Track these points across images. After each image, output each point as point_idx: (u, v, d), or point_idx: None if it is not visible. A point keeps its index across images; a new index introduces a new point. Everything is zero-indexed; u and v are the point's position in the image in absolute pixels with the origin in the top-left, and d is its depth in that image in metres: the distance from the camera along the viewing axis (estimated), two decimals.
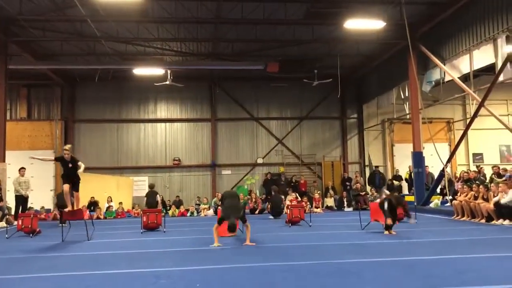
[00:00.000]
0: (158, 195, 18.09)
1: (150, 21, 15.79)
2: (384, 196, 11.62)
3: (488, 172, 16.73)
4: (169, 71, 18.98)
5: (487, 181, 15.25)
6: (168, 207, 19.68)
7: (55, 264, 7.47)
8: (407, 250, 7.96)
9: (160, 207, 16.88)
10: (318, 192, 20.77)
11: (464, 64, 15.18)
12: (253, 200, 19.60)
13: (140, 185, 20.84)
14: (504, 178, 14.03)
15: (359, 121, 23.55)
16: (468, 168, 20.61)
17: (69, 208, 10.47)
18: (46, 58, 18.88)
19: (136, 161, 22.17)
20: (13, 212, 16.02)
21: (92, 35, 16.41)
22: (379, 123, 23.37)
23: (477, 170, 17.12)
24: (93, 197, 19.51)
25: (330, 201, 20.60)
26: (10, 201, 16.52)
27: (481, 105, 14.31)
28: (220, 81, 22.54)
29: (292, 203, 16.64)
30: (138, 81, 21.11)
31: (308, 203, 18.82)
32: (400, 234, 10.16)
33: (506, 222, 11.67)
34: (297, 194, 19.55)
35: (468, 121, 17.92)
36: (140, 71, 18.93)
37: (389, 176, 22.39)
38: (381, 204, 10.33)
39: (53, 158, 12.47)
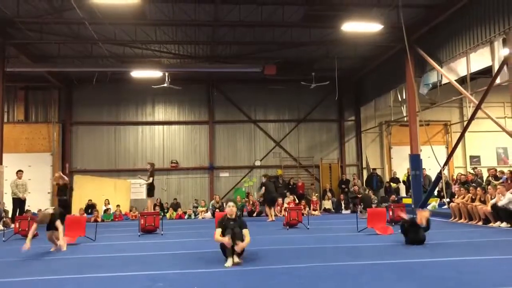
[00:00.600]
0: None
1: (147, 23, 15.80)
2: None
3: (485, 174, 16.77)
4: (167, 74, 18.98)
5: (484, 183, 15.28)
6: (166, 210, 19.66)
7: (52, 267, 7.45)
8: (404, 253, 7.96)
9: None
10: (316, 194, 20.77)
11: (461, 66, 15.25)
12: (251, 202, 19.58)
13: (138, 187, 20.80)
14: (501, 181, 14.07)
15: (356, 123, 23.58)
16: (468, 171, 20.64)
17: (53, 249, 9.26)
18: (44, 60, 18.85)
19: (134, 164, 22.14)
20: (10, 215, 15.99)
21: (90, 37, 16.41)
22: (377, 126, 23.41)
23: (474, 173, 17.17)
24: (91, 200, 19.51)
25: (328, 204, 20.59)
26: (7, 203, 16.48)
27: (478, 107, 14.35)
28: (218, 83, 22.56)
29: (290, 206, 16.67)
30: (135, 83, 21.10)
31: (306, 205, 18.83)
32: (397, 237, 10.17)
33: (503, 224, 11.70)
34: (295, 197, 19.57)
35: (465, 123, 17.96)
36: (138, 73, 18.93)
37: (387, 178, 22.43)
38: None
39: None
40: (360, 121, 23.49)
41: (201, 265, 7.19)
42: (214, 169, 22.38)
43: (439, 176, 16.43)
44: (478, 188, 13.32)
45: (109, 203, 19.30)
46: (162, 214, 17.29)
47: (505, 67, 13.09)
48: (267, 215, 16.69)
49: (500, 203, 11.81)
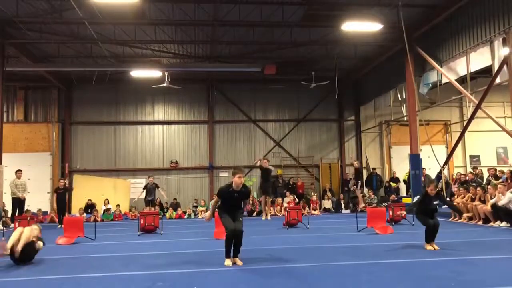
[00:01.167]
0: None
1: (147, 23, 15.78)
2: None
3: (485, 174, 16.76)
4: (166, 73, 18.96)
5: (484, 183, 15.28)
6: (166, 210, 19.65)
7: (51, 267, 7.44)
8: (403, 252, 7.95)
9: None
10: (316, 194, 20.77)
11: (461, 66, 15.24)
12: (251, 202, 19.56)
13: (137, 187, 20.78)
14: (501, 180, 14.07)
15: (356, 123, 23.57)
16: (468, 171, 20.64)
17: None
18: (43, 60, 18.85)
19: (133, 164, 22.13)
20: (9, 215, 15.98)
21: (89, 37, 16.40)
22: (377, 125, 23.41)
23: (474, 172, 17.17)
24: (90, 200, 19.50)
25: (327, 203, 20.59)
26: (7, 203, 16.47)
27: (478, 107, 14.36)
28: (218, 83, 22.55)
29: (290, 206, 16.68)
30: (135, 83, 21.10)
31: (306, 205, 18.83)
32: (396, 237, 10.17)
33: (503, 224, 11.69)
34: (295, 196, 19.56)
35: (465, 123, 17.97)
36: (138, 73, 18.91)
37: (387, 178, 22.42)
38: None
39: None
40: (360, 121, 23.49)
41: (201, 264, 7.18)
42: (214, 168, 22.37)
43: (439, 176, 16.42)
44: (478, 188, 13.32)
45: (108, 203, 19.29)
46: (162, 214, 17.28)
47: (505, 67, 13.07)
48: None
49: (500, 203, 11.80)
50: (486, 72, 15.64)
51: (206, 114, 22.74)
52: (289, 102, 23.11)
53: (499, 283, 5.42)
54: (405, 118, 20.18)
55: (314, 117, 23.21)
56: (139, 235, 11.79)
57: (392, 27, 15.55)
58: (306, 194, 21.39)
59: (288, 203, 18.33)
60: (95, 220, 16.68)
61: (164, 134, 22.60)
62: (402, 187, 21.60)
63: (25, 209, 16.10)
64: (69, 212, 19.17)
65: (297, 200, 19.04)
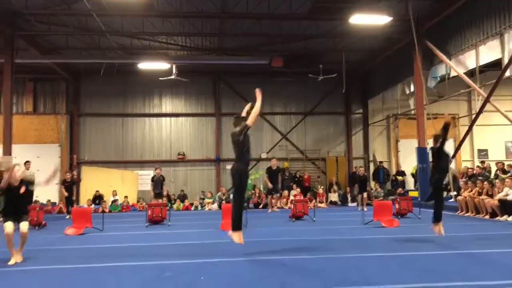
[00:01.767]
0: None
1: (155, 15, 15.79)
2: None
3: (493, 168, 16.68)
4: (174, 66, 18.98)
5: (492, 177, 15.21)
6: (173, 201, 19.77)
7: (60, 256, 7.55)
8: (409, 245, 7.97)
9: None
10: (322, 187, 20.79)
11: (470, 59, 15.09)
12: (257, 195, 19.65)
13: (145, 179, 20.91)
14: (509, 174, 14.00)
15: (363, 116, 23.50)
16: (477, 165, 20.53)
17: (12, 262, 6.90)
18: (52, 52, 18.94)
19: (141, 155, 22.24)
20: None
21: (97, 29, 16.45)
22: (384, 119, 23.32)
23: (481, 166, 17.08)
24: (98, 191, 19.66)
25: (334, 196, 20.61)
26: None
27: (486, 100, 14.26)
28: (225, 75, 22.55)
29: (296, 198, 16.73)
30: (143, 75, 21.15)
31: (313, 198, 18.87)
32: (402, 230, 10.18)
33: (511, 218, 11.66)
34: (300, 190, 19.60)
35: (473, 117, 17.85)
36: (145, 65, 18.95)
37: (394, 171, 22.38)
38: None
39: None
40: (367, 114, 23.41)
41: (208, 255, 7.24)
42: (221, 161, 22.43)
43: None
44: (485, 182, 13.27)
45: (116, 194, 19.44)
46: (169, 205, 17.39)
47: None
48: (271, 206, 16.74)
49: (509, 197, 11.76)
50: (496, 65, 15.45)
51: (213, 106, 22.77)
52: (296, 95, 23.06)
53: (505, 277, 5.43)
54: (412, 112, 20.06)
55: (321, 110, 23.15)
56: (146, 226, 11.89)
57: (400, 19, 15.45)
58: (312, 187, 21.41)
59: (295, 196, 18.38)
60: (103, 211, 16.82)
61: (171, 127, 22.67)
62: (409, 180, 21.54)
63: (34, 200, 16.26)
64: (77, 203, 19.38)
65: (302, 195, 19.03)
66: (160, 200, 15.02)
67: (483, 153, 22.93)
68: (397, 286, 5.04)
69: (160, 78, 19.83)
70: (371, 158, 23.24)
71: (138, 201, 20.13)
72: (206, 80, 22.60)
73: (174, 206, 19.19)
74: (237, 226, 7.13)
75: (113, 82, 21.83)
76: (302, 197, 17.64)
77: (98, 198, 19.26)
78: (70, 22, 16.38)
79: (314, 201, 18.62)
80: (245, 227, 9.98)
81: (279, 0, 14.95)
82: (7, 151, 16.17)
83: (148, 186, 18.03)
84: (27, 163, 16.18)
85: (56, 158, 21.40)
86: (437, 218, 8.19)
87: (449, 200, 16.48)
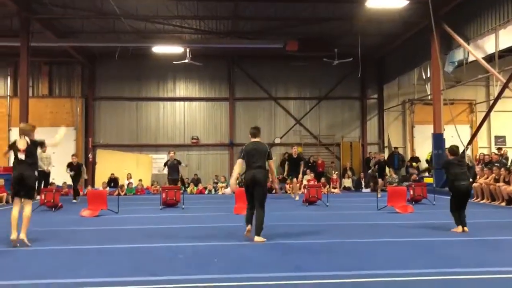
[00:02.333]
0: None
1: None
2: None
3: (510, 155, 16.44)
4: (188, 50, 18.95)
5: (509, 164, 14.99)
6: (187, 185, 19.91)
7: (75, 237, 7.67)
8: (423, 232, 7.92)
9: None
10: (336, 172, 20.72)
11: (489, 44, 14.77)
12: (270, 180, 19.62)
13: (159, 162, 21.03)
14: None
15: (379, 101, 23.24)
16: (493, 151, 20.25)
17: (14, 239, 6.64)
18: (67, 35, 19.02)
19: (155, 139, 22.37)
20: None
21: (112, 12, 16.43)
22: (400, 104, 23.05)
23: (498, 153, 16.84)
24: (113, 174, 19.88)
25: (347, 182, 20.55)
26: None
27: (505, 86, 13.99)
28: (239, 59, 22.43)
29: (310, 183, 16.70)
30: (157, 59, 21.14)
31: (326, 183, 18.82)
32: (416, 216, 10.12)
33: None
34: (314, 175, 19.55)
35: (491, 102, 17.54)
36: (159, 49, 18.95)
37: (409, 157, 22.18)
38: None
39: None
40: (383, 99, 23.15)
41: (221, 238, 7.29)
42: (234, 145, 22.44)
43: (462, 156, 16.14)
44: (502, 169, 13.08)
45: (131, 177, 19.64)
46: (183, 189, 17.51)
47: None
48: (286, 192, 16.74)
49: None
50: None
51: (227, 91, 22.72)
52: (311, 80, 22.87)
53: None
54: (429, 97, 19.78)
55: (336, 95, 22.94)
56: (161, 209, 12.01)
57: (418, 3, 15.15)
58: (326, 172, 21.34)
59: (308, 181, 18.35)
60: (118, 194, 17.02)
61: (185, 111, 22.71)
62: (425, 166, 21.34)
63: (50, 182, 16.50)
64: (92, 186, 19.65)
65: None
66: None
67: (500, 139, 22.56)
68: (410, 271, 5.02)
69: (174, 62, 19.82)
70: (386, 144, 23.05)
71: (152, 184, 20.32)
72: (220, 64, 22.53)
73: (188, 190, 19.33)
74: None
75: (127, 66, 21.87)
76: (315, 183, 17.61)
77: (113, 181, 19.48)
78: (86, 5, 16.40)
79: (327, 186, 18.58)
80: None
81: None
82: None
83: (163, 170, 18.16)
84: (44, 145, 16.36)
85: (71, 141, 21.61)
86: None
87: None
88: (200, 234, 7.82)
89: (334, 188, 19.10)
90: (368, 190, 19.37)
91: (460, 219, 7.71)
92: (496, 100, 15.17)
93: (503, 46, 14.21)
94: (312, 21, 17.77)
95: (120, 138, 22.07)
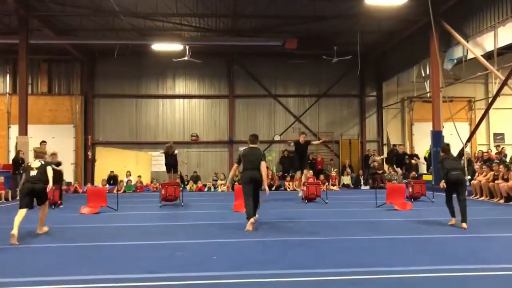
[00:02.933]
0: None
1: None
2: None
3: (509, 152, 16.47)
4: (187, 47, 18.93)
5: (508, 161, 15.03)
6: (186, 182, 19.94)
7: (75, 234, 7.69)
8: (422, 229, 7.95)
9: None
10: (335, 170, 20.75)
11: (488, 41, 14.78)
12: (270, 176, 19.68)
13: (159, 160, 21.05)
14: None
15: (378, 99, 23.26)
16: (489, 149, 20.30)
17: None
18: (66, 33, 19.00)
19: (155, 137, 22.38)
20: None
21: (111, 10, 16.41)
22: (399, 101, 23.07)
23: (497, 150, 16.89)
24: (113, 171, 19.89)
25: (347, 179, 20.58)
26: None
27: (504, 83, 14.00)
28: (238, 57, 22.42)
29: (309, 181, 16.70)
30: (156, 56, 21.13)
31: (326, 181, 18.84)
32: (415, 213, 10.15)
33: None
34: (313, 172, 19.56)
35: (490, 100, 17.56)
36: (159, 46, 18.93)
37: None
38: None
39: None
40: (382, 97, 23.16)
41: (220, 235, 7.32)
42: (234, 143, 22.47)
43: (461, 154, 16.18)
44: (501, 166, 13.10)
45: (130, 175, 19.66)
46: (183, 186, 17.54)
47: None
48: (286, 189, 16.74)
49: None
50: None
51: (226, 88, 22.72)
52: (310, 77, 22.88)
53: None
54: (428, 95, 19.79)
55: (335, 93, 22.95)
56: (160, 206, 12.03)
57: (417, 0, 15.12)
58: (325, 170, 21.38)
59: (307, 178, 18.35)
60: (117, 191, 17.02)
61: (185, 108, 22.71)
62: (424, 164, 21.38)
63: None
64: (92, 183, 19.66)
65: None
66: (174, 175, 14.75)
67: (499, 137, 22.60)
68: (409, 268, 5.05)
69: (173, 60, 19.82)
70: (385, 141, 23.08)
71: (151, 182, 20.35)
72: (219, 62, 22.52)
73: (187, 187, 19.36)
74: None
75: (126, 64, 21.86)
76: (315, 180, 17.63)
77: (112, 179, 19.49)
78: (84, 3, 16.37)
79: (326, 183, 18.61)
80: (258, 209, 10.06)
81: None
82: (23, 131, 16.42)
83: (162, 167, 18.17)
84: (43, 143, 16.38)
85: (70, 138, 21.66)
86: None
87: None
88: (199, 232, 7.85)
89: (333, 185, 19.13)
90: (367, 187, 19.40)
91: (460, 213, 7.95)
92: (495, 97, 15.18)
93: (502, 43, 14.21)
94: (311, 19, 17.77)
95: (119, 135, 22.07)
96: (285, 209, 11.25)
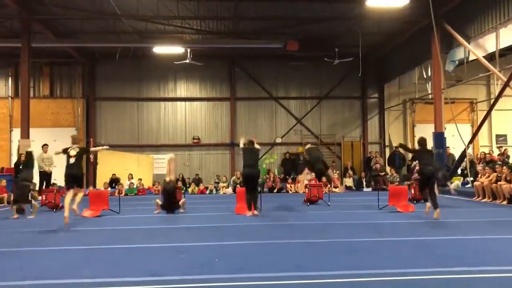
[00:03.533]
0: None
1: None
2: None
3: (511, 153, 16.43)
4: (188, 50, 18.95)
5: (511, 162, 14.99)
6: (188, 185, 19.92)
7: (78, 238, 7.69)
8: (424, 231, 7.93)
9: None
10: (337, 172, 20.72)
11: (490, 42, 14.75)
12: (272, 179, 19.68)
13: (161, 162, 21.05)
14: None
15: (380, 101, 23.23)
16: (490, 150, 20.24)
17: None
18: (68, 36, 19.02)
19: (156, 140, 22.38)
20: (37, 188, 16.41)
21: (113, 13, 16.43)
22: (401, 103, 23.03)
23: (500, 152, 16.85)
24: (114, 174, 19.87)
25: (349, 181, 20.54)
26: (34, 177, 16.86)
27: (506, 85, 13.97)
28: (240, 59, 22.43)
29: (311, 183, 16.69)
30: (158, 59, 21.14)
31: (328, 183, 18.80)
32: (418, 215, 10.12)
33: None
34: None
35: (492, 101, 17.53)
36: (160, 49, 18.95)
37: (410, 156, 22.14)
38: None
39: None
40: (383, 99, 23.13)
41: (222, 238, 7.30)
42: (235, 145, 22.42)
43: (463, 155, 16.16)
44: (504, 167, 13.06)
45: (132, 178, 19.65)
46: (184, 189, 17.51)
47: None
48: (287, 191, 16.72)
49: None
50: None
51: (228, 91, 22.72)
52: (311, 79, 22.88)
53: None
54: (430, 96, 19.75)
55: (337, 95, 22.93)
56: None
57: (418, 1, 15.10)
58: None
59: (309, 180, 18.33)
60: (119, 193, 17.04)
61: (186, 111, 22.72)
62: None
63: (52, 183, 16.53)
64: (94, 186, 19.66)
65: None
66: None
67: (501, 138, 22.54)
68: (412, 270, 5.02)
69: (175, 62, 19.84)
70: (387, 143, 23.05)
71: (153, 185, 20.33)
72: (221, 64, 22.54)
73: (189, 190, 19.33)
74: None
75: (128, 66, 21.88)
76: (317, 182, 17.60)
77: (114, 182, 19.48)
78: (85, 6, 16.41)
79: (329, 185, 18.57)
80: (260, 210, 10.06)
81: None
82: (25, 134, 16.43)
83: (163, 170, 18.16)
84: (45, 146, 16.43)
85: None
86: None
87: (466, 186, 16.30)
88: (202, 234, 7.83)
89: (335, 187, 19.09)
90: (369, 189, 19.36)
91: (431, 200, 9.28)
92: (497, 98, 15.15)
93: (503, 44, 14.17)
94: (312, 21, 17.75)
95: (121, 138, 22.07)
96: (286, 211, 11.23)
